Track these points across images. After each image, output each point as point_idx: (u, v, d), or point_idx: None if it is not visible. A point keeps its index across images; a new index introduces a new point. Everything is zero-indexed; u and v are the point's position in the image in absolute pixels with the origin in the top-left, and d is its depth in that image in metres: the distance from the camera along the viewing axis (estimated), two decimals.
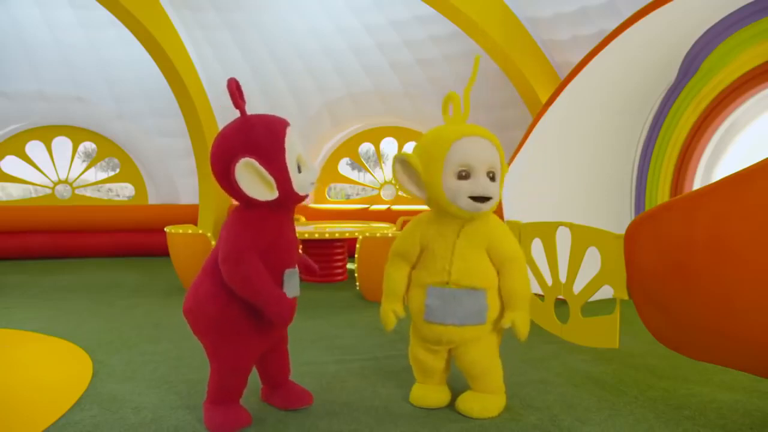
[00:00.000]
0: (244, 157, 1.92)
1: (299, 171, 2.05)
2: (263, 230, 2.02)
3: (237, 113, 2.07)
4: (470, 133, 2.16)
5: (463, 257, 2.18)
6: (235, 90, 2.02)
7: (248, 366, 2.14)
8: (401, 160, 2.20)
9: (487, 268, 2.21)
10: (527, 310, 2.22)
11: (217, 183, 2.08)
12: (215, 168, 2.04)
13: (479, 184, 2.11)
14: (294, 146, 2.04)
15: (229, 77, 2.05)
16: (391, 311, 2.31)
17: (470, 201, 2.12)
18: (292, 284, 2.12)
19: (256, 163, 1.93)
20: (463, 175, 2.12)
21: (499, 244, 2.22)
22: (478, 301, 2.18)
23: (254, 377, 2.42)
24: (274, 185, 1.98)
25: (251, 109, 2.08)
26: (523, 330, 2.17)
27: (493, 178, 2.16)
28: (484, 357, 2.26)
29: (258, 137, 1.97)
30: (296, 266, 2.18)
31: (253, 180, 1.96)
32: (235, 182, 1.94)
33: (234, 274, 1.95)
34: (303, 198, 2.12)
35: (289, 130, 2.06)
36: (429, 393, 2.36)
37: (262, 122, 2.03)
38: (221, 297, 2.02)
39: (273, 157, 1.98)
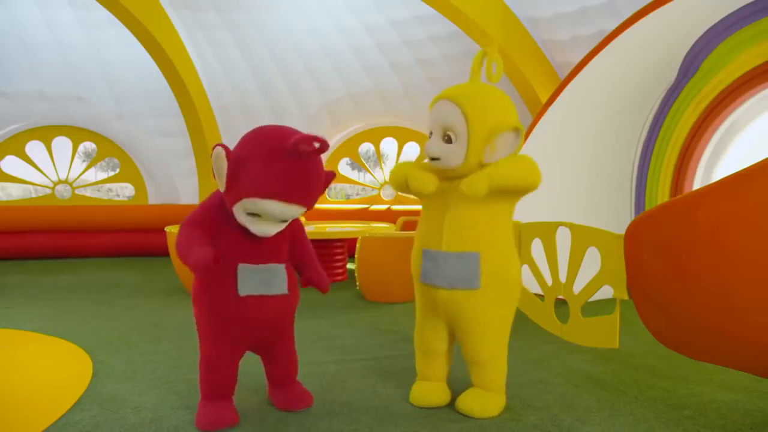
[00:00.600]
0: (229, 150, 1.91)
1: (253, 216, 1.96)
2: (210, 212, 2.05)
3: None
4: (439, 97, 2.20)
5: (455, 218, 2.15)
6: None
7: (224, 362, 2.13)
8: None
9: (482, 230, 2.14)
10: (491, 176, 2.04)
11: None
12: None
13: (427, 144, 2.21)
14: (274, 211, 1.92)
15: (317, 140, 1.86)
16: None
17: (430, 160, 2.22)
18: (249, 280, 2.04)
19: (225, 164, 1.89)
20: (430, 137, 2.23)
21: (503, 170, 2.08)
22: (469, 266, 2.13)
23: (259, 377, 2.42)
24: (221, 187, 1.98)
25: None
26: (468, 181, 2.04)
27: (449, 140, 2.14)
28: (487, 344, 2.22)
29: (254, 158, 1.88)
30: (265, 265, 2.08)
31: (217, 168, 1.95)
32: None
33: (177, 247, 1.96)
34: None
35: (285, 206, 1.91)
36: (429, 392, 2.35)
37: (282, 162, 1.86)
38: (198, 290, 2.10)
39: (241, 181, 1.89)
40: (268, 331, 2.19)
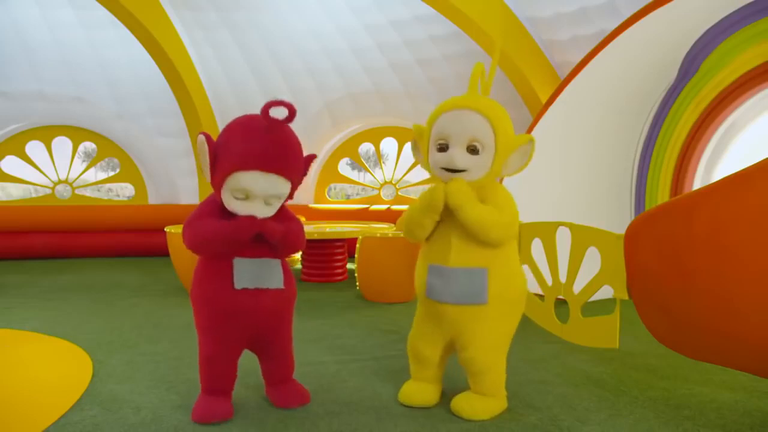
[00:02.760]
0: (210, 137, 2.02)
1: (241, 198, 2.02)
2: (209, 207, 2.11)
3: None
4: (457, 106, 2.13)
5: (464, 234, 2.15)
6: (269, 108, 1.95)
7: (221, 357, 2.15)
8: (412, 140, 2.34)
9: (489, 246, 2.16)
10: (461, 199, 2.07)
11: None
12: None
13: (448, 155, 2.12)
14: (256, 183, 1.98)
15: (270, 102, 1.94)
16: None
17: (443, 172, 2.15)
18: (245, 274, 2.07)
19: (206, 149, 2.00)
20: (442, 148, 2.16)
21: (494, 202, 2.16)
22: (476, 281, 2.14)
23: (260, 375, 2.42)
24: (207, 177, 2.08)
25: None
26: (450, 190, 2.08)
27: (475, 151, 2.11)
28: (485, 354, 2.20)
29: (232, 138, 2.00)
30: (260, 258, 2.11)
31: (201, 156, 2.06)
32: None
33: (192, 239, 2.05)
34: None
35: (265, 176, 1.97)
36: (417, 392, 2.34)
37: (256, 134, 1.97)
38: (196, 285, 2.15)
39: (221, 161, 2.00)
40: (263, 327, 2.19)
